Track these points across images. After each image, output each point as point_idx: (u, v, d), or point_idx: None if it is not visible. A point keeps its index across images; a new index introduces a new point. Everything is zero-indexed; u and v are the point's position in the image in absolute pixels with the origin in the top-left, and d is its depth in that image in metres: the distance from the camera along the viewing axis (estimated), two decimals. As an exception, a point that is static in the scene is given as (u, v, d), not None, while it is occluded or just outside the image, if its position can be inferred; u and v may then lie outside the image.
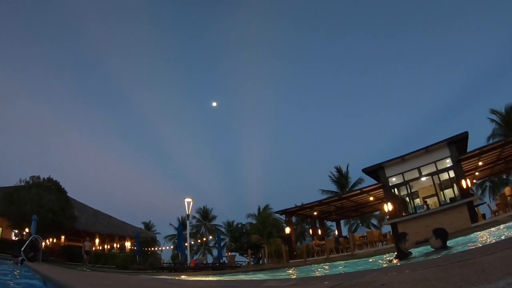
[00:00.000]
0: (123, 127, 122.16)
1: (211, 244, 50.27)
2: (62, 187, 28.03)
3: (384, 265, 7.43)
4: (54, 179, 27.97)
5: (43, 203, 23.90)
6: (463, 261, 1.97)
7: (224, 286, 3.75)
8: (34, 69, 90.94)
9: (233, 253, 34.57)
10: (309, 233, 30.28)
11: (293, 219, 29.40)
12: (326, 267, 11.84)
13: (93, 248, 26.33)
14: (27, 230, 22.67)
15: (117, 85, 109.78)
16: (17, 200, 23.65)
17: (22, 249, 11.58)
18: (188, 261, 22.06)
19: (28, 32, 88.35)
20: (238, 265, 24.48)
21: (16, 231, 26.36)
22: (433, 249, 6.08)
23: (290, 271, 12.79)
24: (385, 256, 9.81)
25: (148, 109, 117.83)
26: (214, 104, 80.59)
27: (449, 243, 6.14)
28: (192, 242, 42.39)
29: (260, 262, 33.24)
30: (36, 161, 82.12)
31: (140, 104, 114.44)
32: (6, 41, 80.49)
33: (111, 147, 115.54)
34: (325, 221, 30.45)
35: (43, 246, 15.32)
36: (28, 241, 12.31)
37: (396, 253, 6.46)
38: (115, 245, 38.64)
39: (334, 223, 31.73)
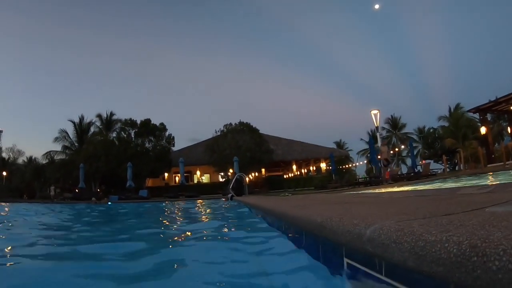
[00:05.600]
0: (297, 55, 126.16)
1: (403, 154, 49.27)
2: (254, 126, 32.25)
3: None
4: (245, 122, 32.40)
5: (240, 145, 28.41)
6: None
7: (419, 195, 3.95)
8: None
9: (427, 161, 33.09)
10: (508, 132, 26.12)
11: (488, 117, 26.14)
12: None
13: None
14: (231, 170, 27.57)
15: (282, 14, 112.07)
16: (217, 148, 28.97)
17: (230, 187, 14.32)
18: (383, 173, 22.35)
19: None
20: (434, 173, 23.55)
21: (222, 173, 32.46)
22: None
23: (490, 179, 11.58)
24: None
25: (316, 29, 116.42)
26: (377, 6, 73.13)
27: None
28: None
29: (456, 168, 31.24)
30: (226, 110, 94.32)
31: (307, 26, 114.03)
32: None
33: (292, 77, 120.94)
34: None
35: (247, 181, 18.29)
36: (233, 180, 15.06)
37: None
38: (311, 168, 42.56)
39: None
